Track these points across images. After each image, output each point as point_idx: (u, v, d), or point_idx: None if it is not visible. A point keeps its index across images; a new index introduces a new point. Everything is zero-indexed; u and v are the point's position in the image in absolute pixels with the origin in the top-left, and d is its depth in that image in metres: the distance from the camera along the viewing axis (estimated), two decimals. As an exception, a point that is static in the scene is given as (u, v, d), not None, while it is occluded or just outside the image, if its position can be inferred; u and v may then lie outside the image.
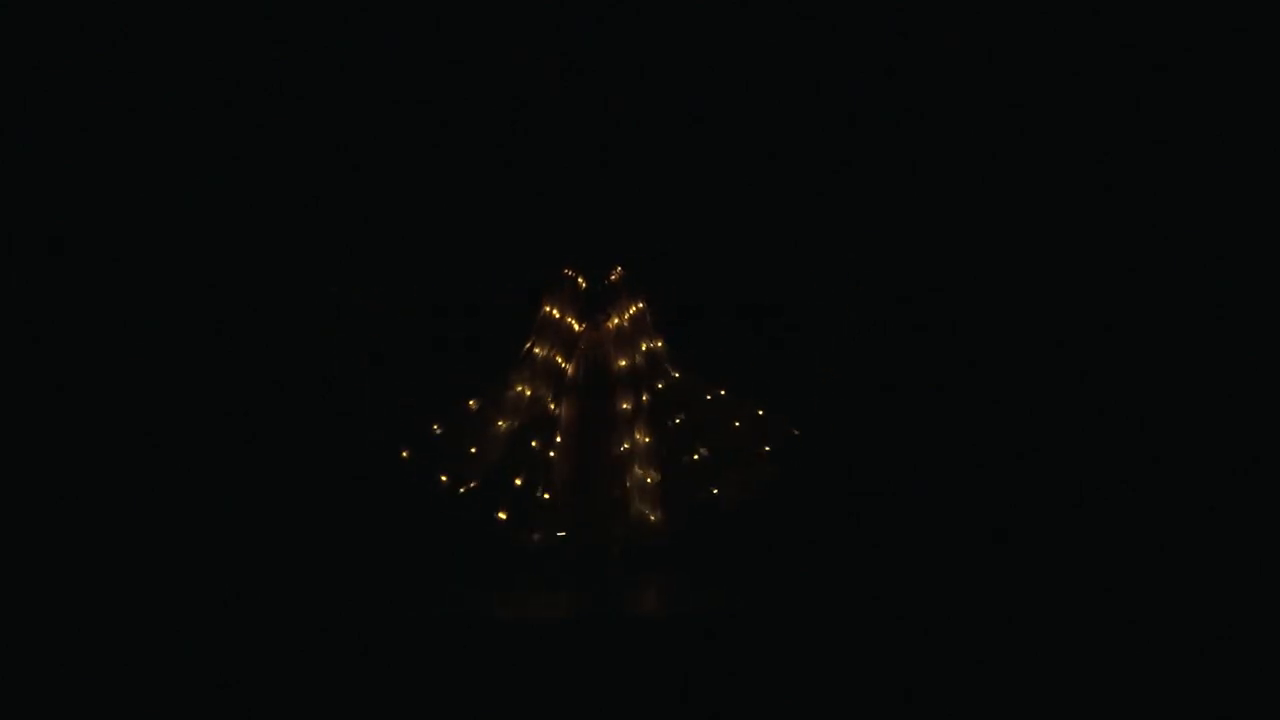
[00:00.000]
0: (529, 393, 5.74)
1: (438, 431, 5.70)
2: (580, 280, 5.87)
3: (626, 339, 5.82)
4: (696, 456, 5.73)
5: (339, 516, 5.82)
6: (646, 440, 5.71)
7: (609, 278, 5.87)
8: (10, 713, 4.46)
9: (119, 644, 4.70)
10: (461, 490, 5.66)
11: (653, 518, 5.67)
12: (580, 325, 5.84)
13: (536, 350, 5.78)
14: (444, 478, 5.66)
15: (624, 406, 5.75)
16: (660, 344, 5.84)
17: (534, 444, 5.69)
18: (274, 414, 5.96)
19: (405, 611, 4.96)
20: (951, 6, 6.09)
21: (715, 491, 5.70)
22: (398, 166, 6.11)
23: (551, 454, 5.69)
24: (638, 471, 5.68)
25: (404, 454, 5.69)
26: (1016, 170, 6.12)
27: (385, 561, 5.61)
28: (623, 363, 5.79)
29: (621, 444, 5.71)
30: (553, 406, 5.74)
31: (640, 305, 5.86)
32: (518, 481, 5.65)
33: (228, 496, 5.81)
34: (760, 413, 5.78)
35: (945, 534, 5.80)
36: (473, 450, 5.68)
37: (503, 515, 5.64)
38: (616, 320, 5.83)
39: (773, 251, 6.19)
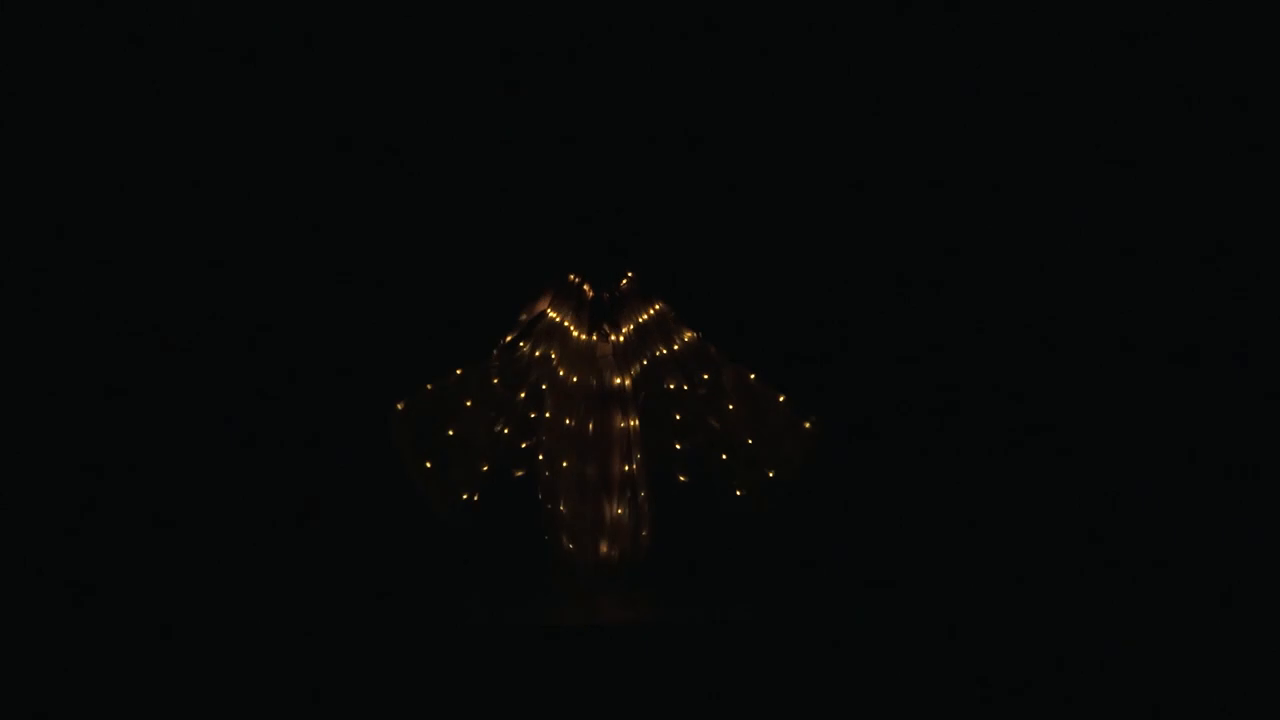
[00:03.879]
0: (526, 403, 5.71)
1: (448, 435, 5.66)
2: (587, 288, 5.79)
3: (631, 353, 5.76)
4: (724, 457, 5.70)
5: (341, 521, 5.82)
6: (639, 459, 5.68)
7: (618, 286, 5.79)
8: (10, 713, 4.46)
9: (121, 644, 4.71)
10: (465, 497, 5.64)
11: (644, 533, 5.66)
12: (586, 336, 5.77)
13: (536, 354, 5.72)
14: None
15: (622, 424, 5.70)
16: (690, 336, 5.78)
17: (538, 455, 5.69)
18: (276, 417, 5.95)
19: (405, 617, 4.96)
20: (954, 6, 6.10)
21: (739, 493, 5.68)
22: (401, 171, 6.11)
23: (554, 467, 5.68)
24: (636, 489, 5.66)
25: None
26: (1017, 171, 6.12)
27: (387, 568, 5.61)
28: (625, 380, 5.74)
29: (622, 462, 5.67)
30: (566, 420, 5.71)
31: (657, 307, 5.80)
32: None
33: (229, 500, 5.81)
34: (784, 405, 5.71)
35: (945, 536, 5.81)
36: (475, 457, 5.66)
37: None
38: (620, 336, 5.76)
39: (775, 253, 6.19)
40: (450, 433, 5.60)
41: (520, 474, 5.66)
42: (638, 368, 5.72)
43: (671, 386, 5.70)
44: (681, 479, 5.70)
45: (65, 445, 5.80)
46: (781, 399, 5.66)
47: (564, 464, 5.64)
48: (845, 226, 6.16)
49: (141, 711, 4.47)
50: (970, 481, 5.96)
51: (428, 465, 5.56)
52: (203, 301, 5.98)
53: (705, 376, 5.71)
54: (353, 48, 6.06)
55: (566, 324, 5.72)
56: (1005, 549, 5.73)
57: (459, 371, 5.65)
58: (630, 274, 5.79)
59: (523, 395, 5.69)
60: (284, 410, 5.95)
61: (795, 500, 5.75)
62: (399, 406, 5.57)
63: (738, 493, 5.65)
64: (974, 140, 6.12)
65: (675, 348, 5.73)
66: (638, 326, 5.75)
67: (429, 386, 5.63)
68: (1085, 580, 5.43)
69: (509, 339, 5.72)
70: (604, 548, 5.63)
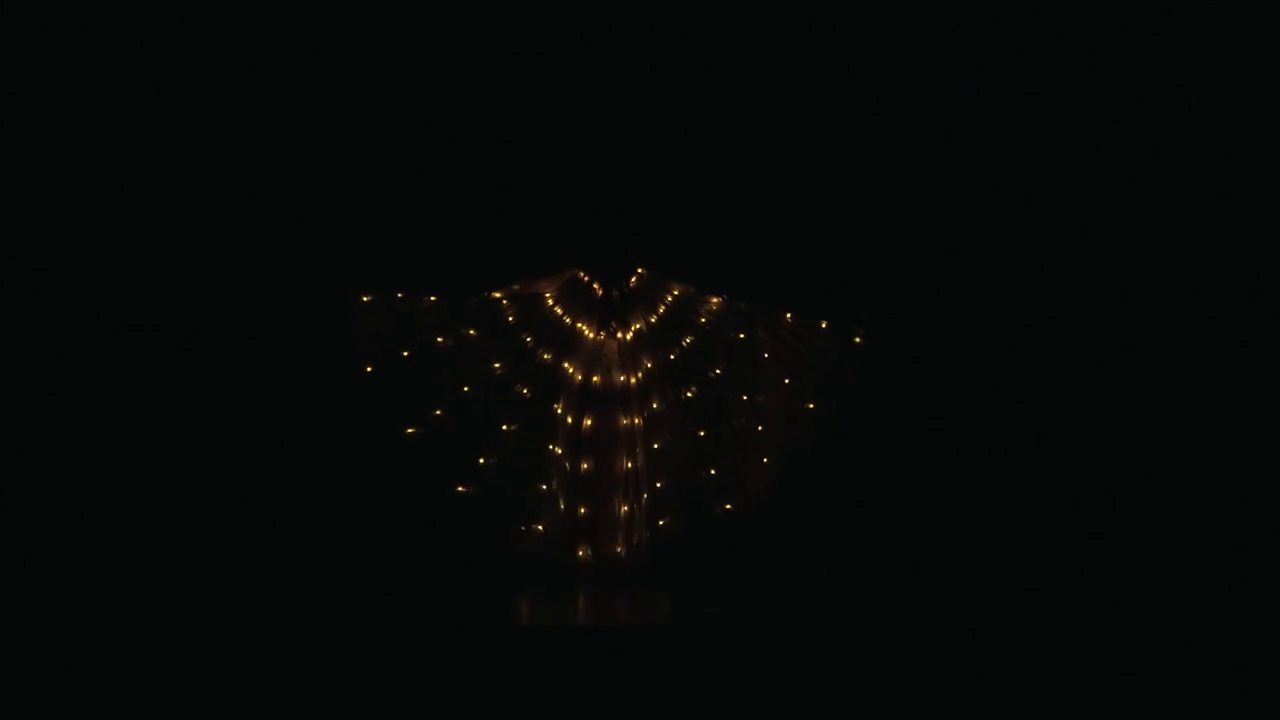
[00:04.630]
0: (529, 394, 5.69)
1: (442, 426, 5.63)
2: (596, 286, 5.79)
3: (646, 349, 5.75)
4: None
5: (347, 523, 5.81)
6: (643, 460, 5.68)
7: (627, 283, 5.78)
8: (11, 713, 4.46)
9: (121, 644, 4.71)
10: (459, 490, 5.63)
11: (641, 535, 5.66)
12: (594, 334, 5.76)
13: (545, 356, 5.71)
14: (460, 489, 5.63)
15: (626, 422, 5.70)
16: (717, 301, 5.79)
17: (544, 451, 5.68)
18: (277, 417, 5.93)
19: (407, 617, 4.96)
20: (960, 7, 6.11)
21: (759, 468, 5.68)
22: (407, 169, 6.09)
23: (557, 466, 5.67)
24: (639, 488, 5.66)
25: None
26: (1016, 171, 6.12)
27: (389, 568, 5.61)
28: (631, 378, 5.73)
29: (626, 460, 5.67)
30: (569, 418, 5.70)
31: (676, 291, 5.78)
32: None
33: (229, 500, 5.81)
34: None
35: (943, 536, 5.81)
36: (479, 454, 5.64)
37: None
38: (628, 334, 5.75)
39: (777, 250, 6.17)
40: (405, 354, 5.57)
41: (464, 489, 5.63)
42: (657, 361, 5.72)
43: (691, 395, 5.70)
44: (728, 506, 5.70)
45: (65, 445, 5.79)
46: (824, 324, 5.66)
47: (568, 463, 5.65)
48: (844, 225, 6.16)
49: (144, 712, 4.47)
50: (969, 482, 5.96)
51: (369, 370, 5.53)
52: (207, 301, 5.97)
53: (741, 336, 5.71)
54: (356, 47, 6.06)
55: (578, 325, 5.72)
56: (1004, 550, 5.73)
57: (433, 298, 5.62)
58: (641, 270, 5.79)
59: (497, 366, 5.64)
60: (284, 410, 5.93)
61: (795, 501, 5.77)
62: (364, 298, 5.54)
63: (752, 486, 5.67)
64: (973, 140, 6.11)
65: (703, 321, 5.73)
66: (659, 319, 5.75)
67: (399, 294, 5.59)
68: (1085, 580, 5.43)
69: (494, 294, 5.68)
70: (604, 547, 5.64)
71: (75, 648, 4.71)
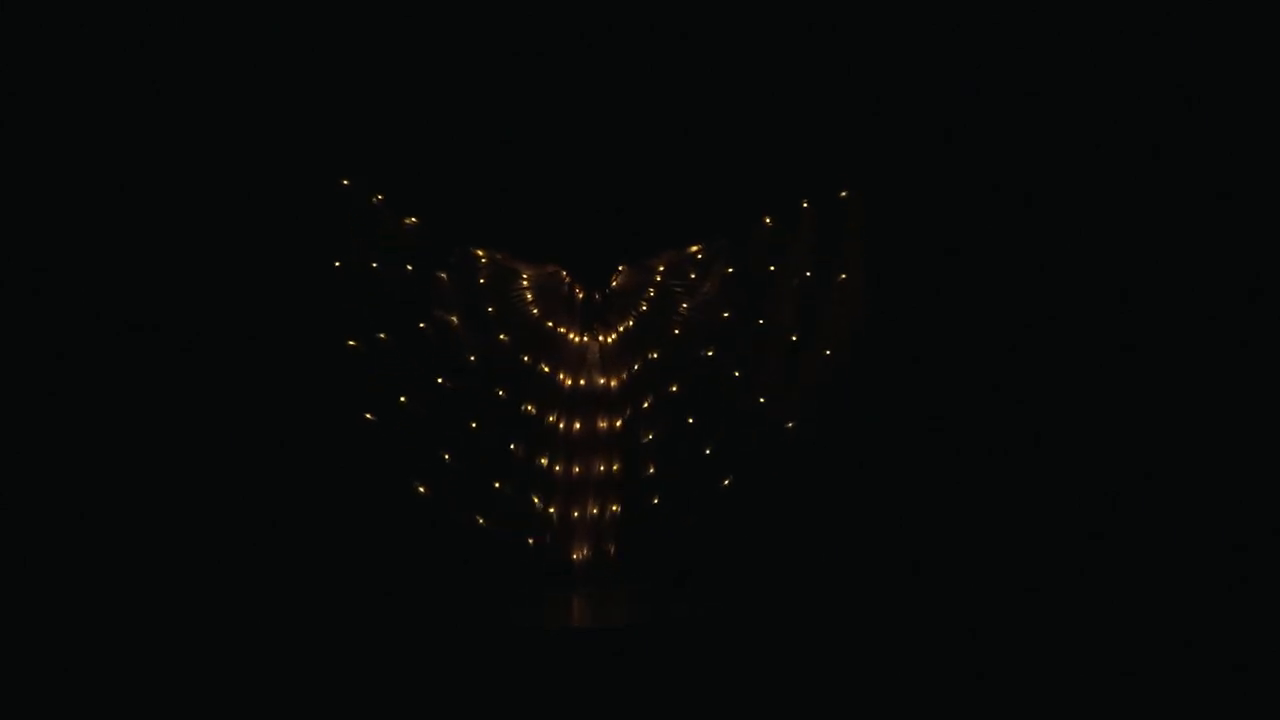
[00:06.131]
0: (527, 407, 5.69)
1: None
2: (578, 290, 5.78)
3: (620, 352, 5.75)
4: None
5: (342, 522, 5.81)
6: (618, 466, 5.68)
7: (609, 283, 5.78)
8: (11, 713, 4.46)
9: (120, 645, 4.72)
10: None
11: (612, 549, 5.66)
12: (576, 336, 5.75)
13: (525, 358, 5.69)
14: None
15: (604, 425, 5.70)
16: (697, 247, 5.79)
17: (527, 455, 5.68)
18: (276, 417, 5.93)
19: (405, 618, 4.97)
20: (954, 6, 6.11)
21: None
22: (398, 166, 6.09)
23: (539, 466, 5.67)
24: (609, 497, 5.67)
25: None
26: (1016, 171, 6.12)
27: (387, 569, 5.61)
28: (611, 381, 5.72)
29: (602, 464, 5.67)
30: (555, 421, 5.70)
31: (662, 268, 5.77)
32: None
33: (229, 500, 5.81)
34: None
35: (940, 542, 5.81)
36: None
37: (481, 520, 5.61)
38: (610, 336, 5.75)
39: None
40: (374, 265, 5.57)
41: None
42: (661, 347, 5.71)
43: (711, 354, 5.69)
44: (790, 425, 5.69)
45: (65, 445, 5.79)
46: (805, 204, 5.74)
47: (550, 465, 5.65)
48: (841, 225, 6.16)
49: (144, 712, 4.47)
50: (969, 482, 5.96)
51: (336, 265, 5.53)
52: (206, 301, 5.97)
53: (730, 270, 5.71)
54: (347, 44, 6.07)
55: (558, 328, 5.72)
56: (1004, 550, 5.74)
57: (413, 220, 5.61)
58: (622, 267, 5.79)
59: (455, 320, 5.62)
60: (283, 411, 5.93)
61: (795, 500, 5.78)
62: (344, 181, 5.57)
63: (789, 424, 5.68)
64: (973, 140, 6.12)
65: (693, 276, 5.73)
66: (649, 304, 5.74)
67: (379, 197, 5.59)
68: (1085, 580, 5.43)
69: (477, 251, 5.68)
70: (586, 549, 5.65)
71: (75, 648, 4.71)
